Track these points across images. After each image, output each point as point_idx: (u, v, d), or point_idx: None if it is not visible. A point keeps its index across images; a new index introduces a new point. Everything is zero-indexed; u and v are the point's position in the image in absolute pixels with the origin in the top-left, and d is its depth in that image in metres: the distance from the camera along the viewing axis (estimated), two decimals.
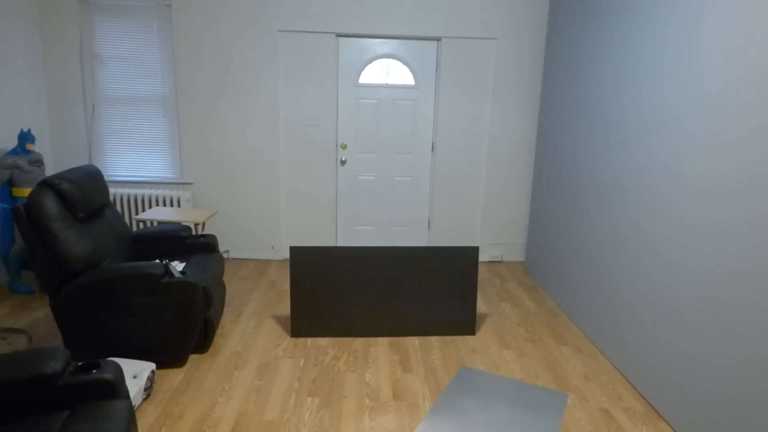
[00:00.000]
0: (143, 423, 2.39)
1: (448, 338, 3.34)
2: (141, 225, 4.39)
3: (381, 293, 3.29)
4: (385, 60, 4.55)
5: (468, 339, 3.34)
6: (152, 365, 2.62)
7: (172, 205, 4.51)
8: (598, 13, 3.36)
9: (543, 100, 4.39)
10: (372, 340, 3.29)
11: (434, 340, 3.31)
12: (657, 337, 2.60)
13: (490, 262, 4.96)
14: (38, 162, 3.85)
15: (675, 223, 2.47)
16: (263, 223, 4.75)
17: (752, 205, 1.99)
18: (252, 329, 3.38)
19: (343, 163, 4.73)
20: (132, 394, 2.38)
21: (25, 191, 3.71)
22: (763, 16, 1.96)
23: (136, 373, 2.53)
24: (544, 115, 4.35)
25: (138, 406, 2.48)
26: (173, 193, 4.51)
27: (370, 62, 4.54)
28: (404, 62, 4.55)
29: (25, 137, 3.79)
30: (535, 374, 2.93)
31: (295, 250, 3.22)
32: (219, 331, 3.34)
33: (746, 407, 1.99)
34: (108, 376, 1.78)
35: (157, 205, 4.51)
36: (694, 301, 2.32)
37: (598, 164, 3.30)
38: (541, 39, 4.51)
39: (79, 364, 1.82)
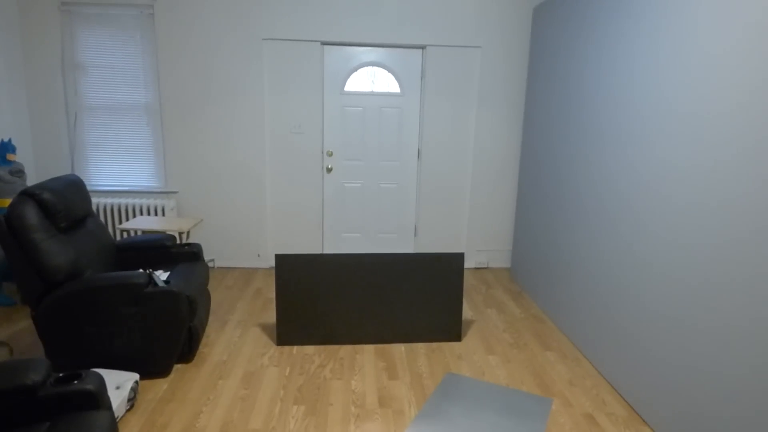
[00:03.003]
0: None
1: (434, 345, 3.35)
2: (125, 234, 4.35)
3: (367, 300, 3.30)
4: (370, 68, 4.57)
5: (454, 345, 3.35)
6: (136, 376, 2.60)
7: (156, 214, 4.48)
8: (580, 22, 3.42)
9: (527, 108, 4.44)
10: (358, 347, 3.29)
11: (420, 347, 3.31)
12: (640, 343, 2.63)
13: (476, 268, 4.98)
14: (19, 172, 3.80)
15: (656, 229, 2.52)
16: (249, 231, 4.73)
17: (730, 214, 2.03)
18: (237, 338, 3.36)
19: (329, 170, 4.74)
20: (115, 405, 2.36)
21: (6, 202, 3.67)
22: (745, 33, 2.01)
23: (119, 383, 2.50)
24: (528, 123, 4.40)
25: (121, 417, 2.45)
26: (157, 202, 4.48)
27: (356, 70, 4.56)
28: (389, 70, 4.59)
29: (5, 147, 3.75)
30: (520, 380, 2.95)
31: (280, 258, 3.21)
32: (204, 341, 3.32)
33: (728, 411, 2.03)
34: (89, 386, 1.76)
35: (141, 214, 4.47)
36: (676, 307, 2.36)
37: (581, 172, 3.35)
38: (525, 47, 4.57)
39: (61, 375, 1.80)
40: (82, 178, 4.41)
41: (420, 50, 4.58)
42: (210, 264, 4.78)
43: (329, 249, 4.91)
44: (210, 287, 4.29)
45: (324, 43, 4.48)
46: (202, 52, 4.36)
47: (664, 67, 2.47)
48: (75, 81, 4.39)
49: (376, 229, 4.91)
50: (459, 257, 3.35)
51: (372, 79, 4.60)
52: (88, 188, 4.48)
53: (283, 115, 4.55)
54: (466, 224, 4.91)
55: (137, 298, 2.69)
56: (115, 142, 4.52)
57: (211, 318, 3.66)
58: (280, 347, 3.26)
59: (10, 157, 3.76)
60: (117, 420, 2.39)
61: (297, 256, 3.22)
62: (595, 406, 2.69)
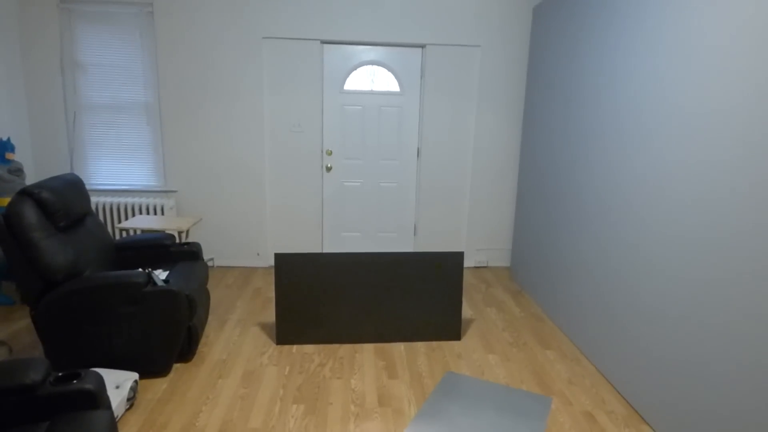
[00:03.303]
0: None
1: (434, 344, 3.35)
2: (124, 233, 4.35)
3: (367, 299, 3.30)
4: (370, 66, 4.57)
5: (453, 344, 3.35)
6: (135, 375, 2.59)
7: (155, 213, 4.47)
8: (580, 21, 3.42)
9: (527, 106, 4.44)
10: (358, 346, 3.29)
11: (420, 346, 3.31)
12: (639, 342, 2.63)
13: (475, 267, 4.98)
14: (18, 171, 3.80)
15: (656, 228, 2.52)
16: (248, 230, 4.73)
17: (732, 212, 2.03)
18: (237, 337, 3.36)
19: (328, 169, 4.73)
20: (114, 404, 2.35)
21: (5, 201, 3.66)
22: (746, 32, 2.01)
23: (118, 383, 2.50)
24: (528, 121, 4.40)
25: (121, 417, 2.45)
26: (157, 201, 4.47)
27: (355, 69, 4.56)
28: (389, 69, 4.58)
29: (4, 146, 3.74)
30: (519, 379, 2.95)
31: (280, 257, 3.21)
32: (203, 340, 3.31)
33: (727, 409, 2.03)
34: (89, 386, 1.76)
35: (141, 213, 4.47)
36: (676, 306, 2.36)
37: (580, 170, 3.34)
38: (525, 47, 4.57)
39: (60, 374, 1.80)
40: (81, 176, 4.41)
41: (420, 49, 4.57)
42: (209, 263, 4.78)
43: (329, 248, 4.90)
44: (209, 286, 4.28)
45: (323, 42, 4.47)
46: (201, 50, 4.36)
47: (664, 65, 2.47)
48: (74, 79, 4.39)
49: (376, 228, 4.90)
50: (458, 256, 3.35)
51: (371, 77, 4.59)
52: (87, 187, 4.48)
53: (283, 113, 4.55)
54: (466, 223, 4.91)
55: (136, 298, 2.69)
56: (115, 140, 4.51)
57: (210, 317, 3.66)
58: (279, 346, 3.25)
59: (9, 155, 3.76)
60: (116, 419, 2.39)
61: (296, 255, 3.22)
62: (595, 405, 2.69)
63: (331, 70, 4.54)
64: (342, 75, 4.56)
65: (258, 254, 4.78)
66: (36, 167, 4.49)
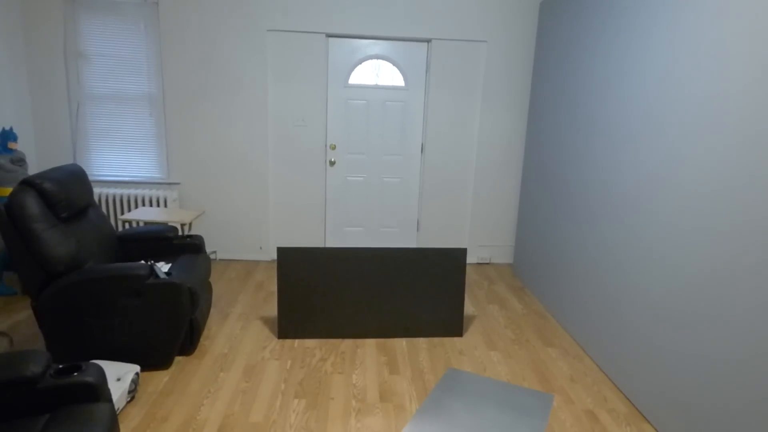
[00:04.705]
0: (127, 426, 2.36)
1: (435, 340, 3.34)
2: (126, 225, 4.34)
3: (369, 295, 3.29)
4: (374, 61, 4.54)
5: (455, 340, 3.34)
6: (136, 368, 2.59)
7: (158, 206, 4.46)
8: (586, 17, 3.38)
9: (532, 102, 4.41)
10: (359, 341, 3.28)
11: (422, 342, 3.30)
12: (641, 340, 2.62)
13: (478, 263, 4.97)
14: (21, 161, 3.79)
15: (661, 227, 2.49)
16: (251, 223, 4.72)
17: (738, 209, 2.01)
18: (239, 331, 3.36)
19: (332, 164, 4.71)
20: (115, 397, 2.35)
21: (7, 191, 3.65)
22: (755, 29, 1.99)
23: (119, 375, 2.50)
24: (532, 117, 4.37)
25: (122, 409, 2.45)
26: (160, 193, 4.46)
27: (360, 63, 4.53)
28: (394, 63, 4.55)
29: (7, 136, 3.73)
30: (521, 376, 2.94)
31: (282, 251, 3.20)
32: (205, 333, 3.31)
33: (729, 409, 2.01)
34: (89, 379, 1.75)
35: (143, 205, 4.46)
36: (678, 304, 2.34)
37: (585, 167, 3.32)
38: (531, 42, 4.53)
39: (61, 366, 1.79)
40: (84, 167, 4.40)
41: (425, 44, 4.54)
42: (212, 256, 4.77)
43: (331, 243, 4.89)
44: (211, 279, 4.28)
45: (329, 35, 4.44)
46: (205, 42, 4.33)
47: (674, 60, 2.44)
48: (77, 70, 4.37)
49: (379, 223, 4.89)
50: (461, 252, 3.33)
51: (376, 72, 4.56)
52: (90, 178, 4.47)
53: (287, 107, 4.52)
54: (469, 219, 4.89)
55: (138, 290, 2.68)
56: (118, 132, 4.50)
57: (212, 310, 3.66)
58: (281, 340, 3.25)
59: (11, 145, 3.75)
60: (117, 412, 2.39)
61: (299, 249, 3.21)
62: (597, 403, 2.68)
63: (336, 63, 4.51)
64: (347, 69, 4.53)
65: (260, 248, 4.77)
66: (38, 157, 4.48)
